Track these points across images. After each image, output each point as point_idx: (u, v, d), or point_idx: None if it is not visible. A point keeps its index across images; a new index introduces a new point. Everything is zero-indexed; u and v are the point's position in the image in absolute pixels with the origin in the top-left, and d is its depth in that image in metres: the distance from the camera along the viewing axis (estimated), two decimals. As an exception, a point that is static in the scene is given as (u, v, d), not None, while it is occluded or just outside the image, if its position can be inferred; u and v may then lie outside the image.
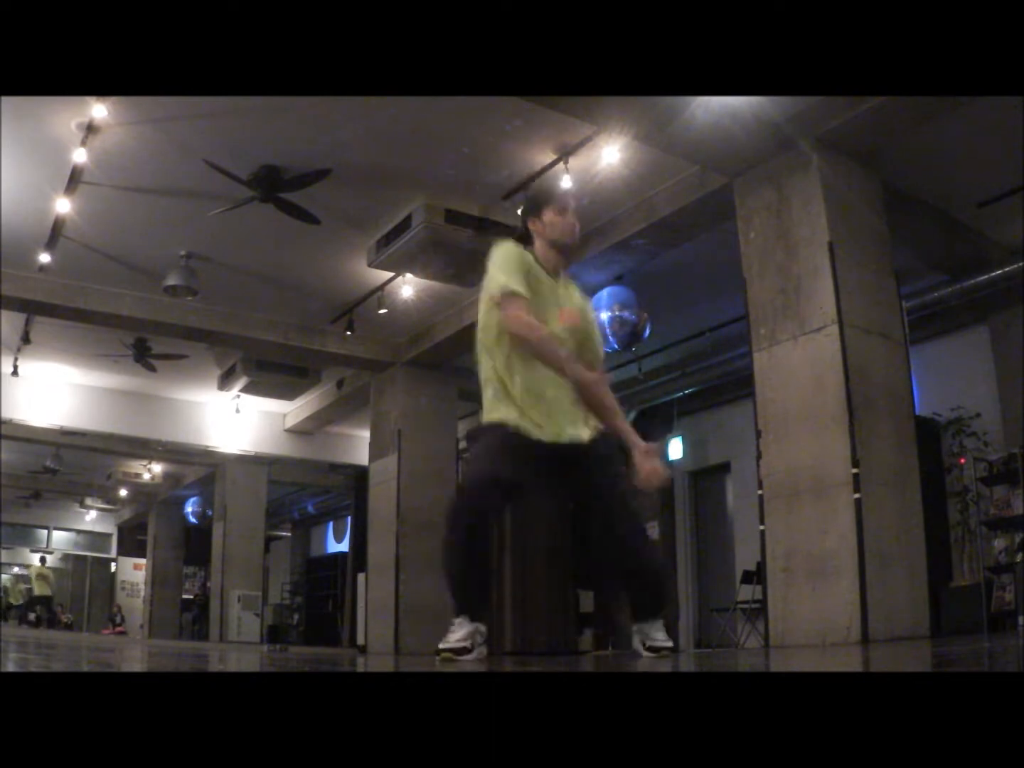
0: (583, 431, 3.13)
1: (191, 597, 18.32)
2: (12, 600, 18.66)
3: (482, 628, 3.04)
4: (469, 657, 2.97)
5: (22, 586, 19.01)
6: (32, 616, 17.30)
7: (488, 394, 3.14)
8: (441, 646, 2.97)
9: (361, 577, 10.61)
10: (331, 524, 19.66)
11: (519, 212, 3.36)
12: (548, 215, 3.25)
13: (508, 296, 3.04)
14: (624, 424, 3.20)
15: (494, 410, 3.10)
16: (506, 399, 3.08)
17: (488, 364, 3.15)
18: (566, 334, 3.14)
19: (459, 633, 2.99)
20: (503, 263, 3.13)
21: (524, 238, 3.30)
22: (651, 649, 3.22)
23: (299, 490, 17.49)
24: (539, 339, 3.01)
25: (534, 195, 3.41)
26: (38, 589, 17.75)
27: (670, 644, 3.24)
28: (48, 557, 19.44)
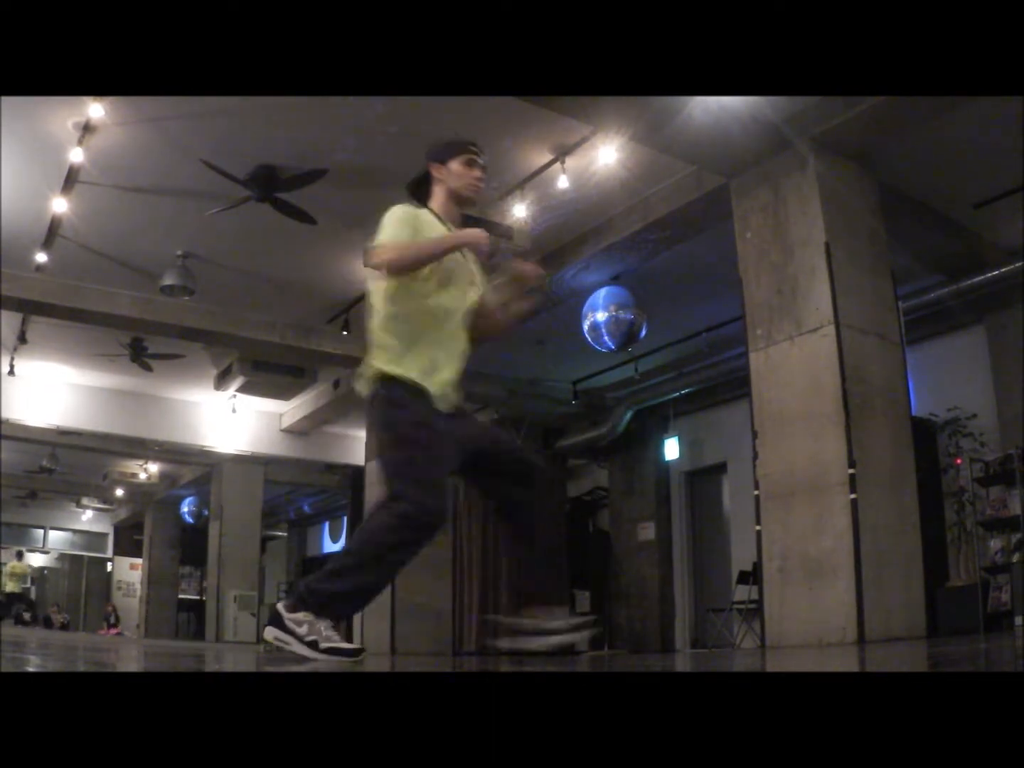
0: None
1: (187, 597, 18.30)
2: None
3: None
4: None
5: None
6: (27, 616, 17.24)
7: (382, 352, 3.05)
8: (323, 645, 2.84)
9: (358, 577, 10.58)
10: (327, 524, 19.62)
11: (426, 156, 3.29)
12: (455, 164, 3.21)
13: (378, 248, 3.04)
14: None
15: (394, 364, 2.99)
16: (401, 357, 3.00)
17: (376, 322, 3.09)
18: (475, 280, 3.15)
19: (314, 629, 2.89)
20: (388, 226, 3.10)
21: (421, 181, 3.28)
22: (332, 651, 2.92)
23: (295, 490, 17.46)
24: (405, 247, 3.01)
25: (445, 141, 3.30)
26: (9, 586, 17.54)
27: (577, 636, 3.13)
28: (31, 555, 19.32)
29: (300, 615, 2.93)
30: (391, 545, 2.93)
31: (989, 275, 7.18)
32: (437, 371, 3.01)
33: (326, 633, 2.89)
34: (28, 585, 18.16)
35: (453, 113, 5.62)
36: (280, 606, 3.02)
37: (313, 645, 2.86)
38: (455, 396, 3.07)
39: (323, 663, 2.77)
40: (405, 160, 6.27)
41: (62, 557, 20.66)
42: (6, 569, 17.63)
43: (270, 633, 2.96)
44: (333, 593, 2.96)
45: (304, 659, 2.84)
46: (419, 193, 3.29)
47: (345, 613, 3.27)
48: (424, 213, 3.18)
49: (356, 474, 12.69)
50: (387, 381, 2.98)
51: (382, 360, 3.01)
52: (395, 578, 3.13)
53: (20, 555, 18.66)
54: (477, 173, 3.23)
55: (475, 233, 3.08)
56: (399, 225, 3.07)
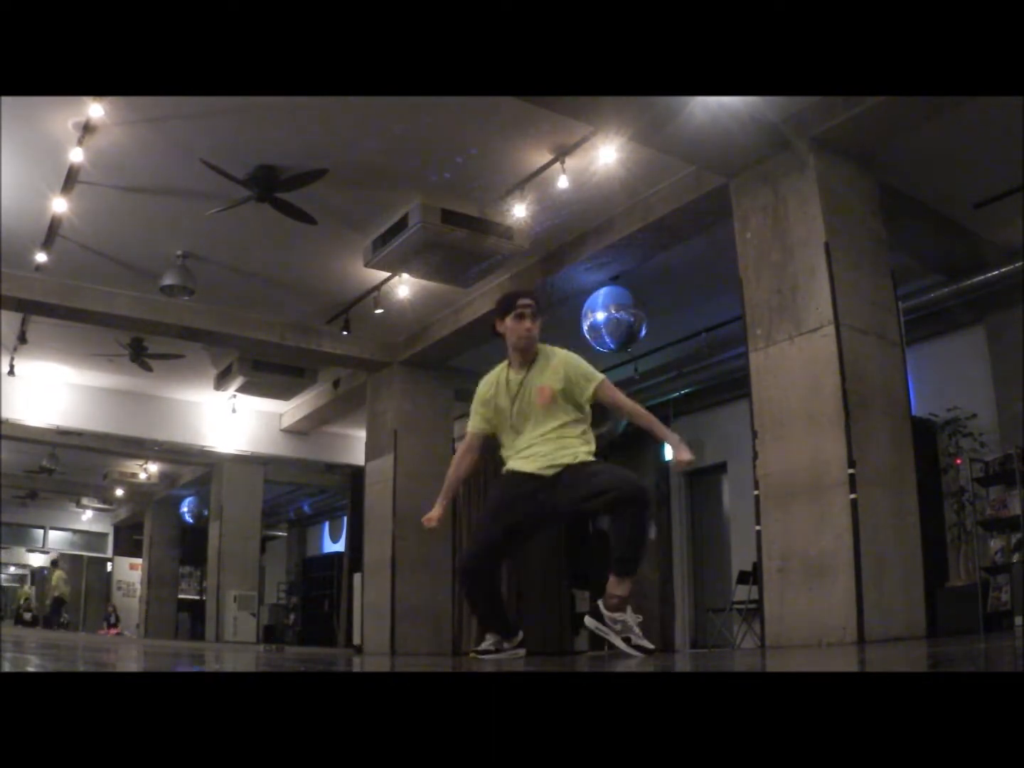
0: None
1: (187, 597, 18.31)
2: (37, 603, 18.52)
3: (510, 638, 3.97)
4: (493, 656, 3.88)
5: (28, 588, 18.87)
6: (28, 616, 17.23)
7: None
8: (472, 648, 3.85)
9: (357, 577, 10.60)
10: (327, 524, 19.63)
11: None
12: (508, 321, 3.90)
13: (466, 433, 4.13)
14: (657, 425, 4.18)
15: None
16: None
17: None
18: (542, 408, 3.88)
19: (488, 641, 3.93)
20: (472, 409, 4.09)
21: (497, 334, 4.03)
22: (638, 648, 3.68)
23: (295, 490, 17.46)
24: (452, 466, 4.20)
25: (499, 301, 4.03)
26: (63, 593, 17.63)
27: (652, 646, 3.75)
28: (44, 557, 19.35)
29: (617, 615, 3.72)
30: None
31: (989, 275, 7.18)
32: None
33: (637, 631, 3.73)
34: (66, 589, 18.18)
35: (453, 113, 5.63)
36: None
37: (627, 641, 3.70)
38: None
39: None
40: (405, 160, 6.31)
41: (62, 557, 20.66)
42: (56, 576, 17.65)
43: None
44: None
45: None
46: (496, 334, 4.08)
47: None
48: (495, 377, 4.02)
49: (356, 474, 12.69)
50: None
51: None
52: None
53: (56, 563, 18.62)
54: (527, 324, 3.88)
55: (426, 516, 4.04)
56: (473, 412, 4.08)
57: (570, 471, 3.82)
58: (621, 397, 4.08)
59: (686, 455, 4.01)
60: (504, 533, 3.93)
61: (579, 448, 3.88)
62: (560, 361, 3.96)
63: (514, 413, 3.89)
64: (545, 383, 3.89)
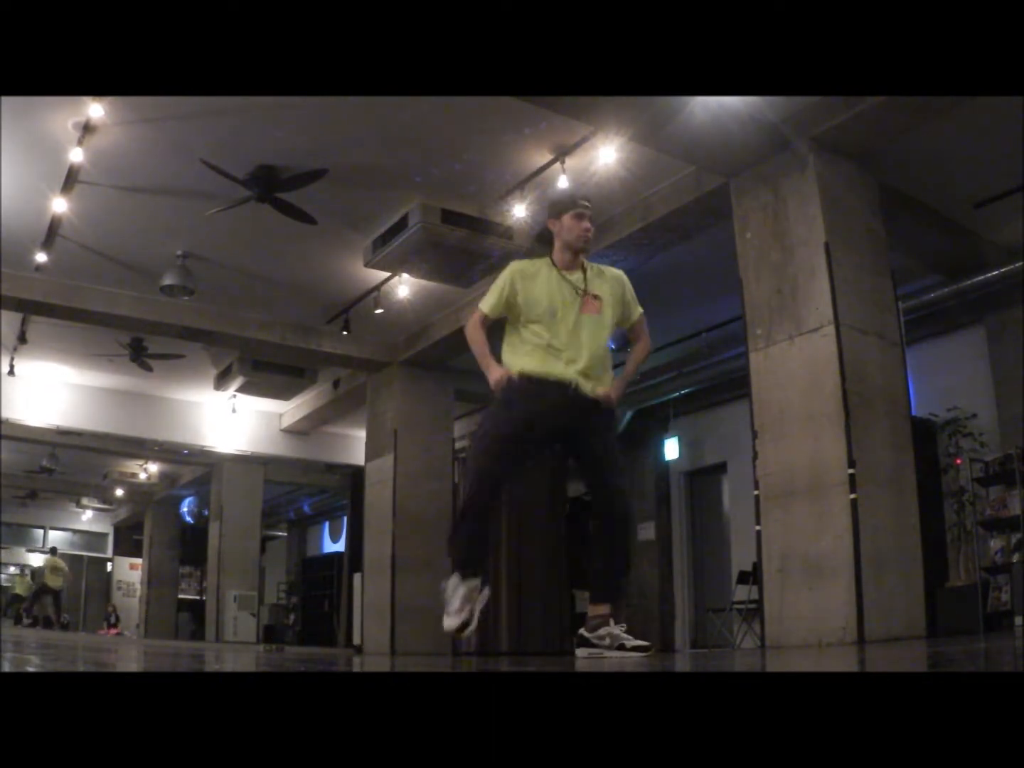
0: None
1: (187, 597, 18.30)
2: (19, 591, 18.41)
3: (473, 583, 3.59)
4: (472, 628, 3.57)
5: (29, 580, 18.77)
6: (28, 619, 17.21)
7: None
8: (445, 624, 3.54)
9: (357, 577, 10.60)
10: (327, 524, 19.63)
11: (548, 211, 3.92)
12: (566, 219, 3.77)
13: (476, 311, 3.84)
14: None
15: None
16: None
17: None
18: (592, 319, 3.72)
19: (455, 602, 3.53)
20: (490, 290, 3.81)
21: (543, 236, 3.89)
22: (636, 649, 3.64)
23: (295, 490, 17.46)
24: (470, 339, 3.85)
25: (557, 199, 3.97)
26: (50, 581, 17.49)
27: (647, 643, 3.70)
28: (31, 555, 19.27)
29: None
30: None
31: (989, 275, 7.17)
32: None
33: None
34: (66, 583, 18.01)
35: (453, 113, 5.62)
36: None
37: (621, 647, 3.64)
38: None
39: None
40: (405, 160, 6.31)
41: (62, 557, 20.68)
42: (48, 563, 17.49)
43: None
44: None
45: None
46: (543, 244, 3.92)
47: None
48: (537, 267, 3.79)
49: (356, 474, 12.69)
50: None
51: None
52: None
53: (55, 551, 18.39)
54: (585, 224, 3.77)
55: (495, 378, 3.71)
56: (493, 292, 3.78)
57: (603, 418, 3.72)
58: (647, 336, 4.03)
59: (614, 394, 3.78)
60: (517, 462, 3.80)
61: (611, 382, 3.79)
62: (616, 277, 3.88)
63: (558, 312, 3.66)
64: (602, 293, 3.77)
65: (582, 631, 3.74)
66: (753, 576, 8.11)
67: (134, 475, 15.86)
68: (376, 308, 8.40)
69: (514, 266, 3.80)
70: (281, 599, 19.60)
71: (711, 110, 5.05)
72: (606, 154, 5.86)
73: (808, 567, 4.87)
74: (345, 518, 16.62)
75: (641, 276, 7.58)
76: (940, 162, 6.10)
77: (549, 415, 3.63)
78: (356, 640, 10.30)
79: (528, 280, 3.73)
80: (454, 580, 3.58)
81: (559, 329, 3.66)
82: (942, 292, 7.44)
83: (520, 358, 3.70)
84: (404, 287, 8.00)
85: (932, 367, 8.07)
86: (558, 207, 3.84)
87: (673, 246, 7.01)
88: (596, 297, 3.74)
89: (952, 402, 7.90)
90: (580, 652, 3.73)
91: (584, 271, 3.80)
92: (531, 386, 3.62)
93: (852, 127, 5.19)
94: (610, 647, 3.65)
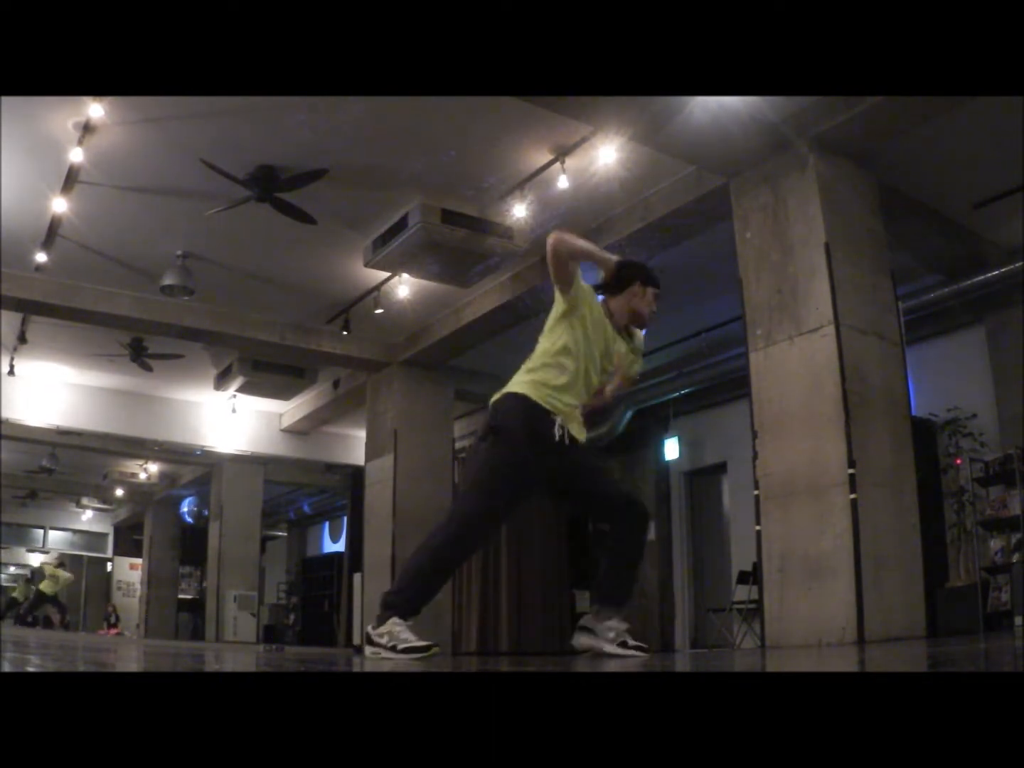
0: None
1: (187, 597, 18.29)
2: (16, 596, 18.40)
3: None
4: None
5: (26, 584, 18.75)
6: (29, 618, 17.20)
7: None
8: (403, 646, 3.42)
9: (357, 577, 10.60)
10: (327, 524, 19.62)
11: (618, 265, 3.80)
12: (650, 292, 3.76)
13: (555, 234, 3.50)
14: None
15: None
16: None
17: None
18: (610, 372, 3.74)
19: (408, 636, 3.47)
20: (585, 293, 3.66)
21: (607, 287, 3.75)
22: (636, 648, 3.69)
23: (295, 490, 17.46)
24: (566, 242, 3.50)
25: (644, 268, 3.87)
26: (46, 588, 17.49)
27: (644, 646, 3.76)
28: (44, 557, 19.28)
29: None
30: None
31: (989, 275, 7.17)
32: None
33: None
34: (60, 590, 18.04)
35: (453, 113, 5.63)
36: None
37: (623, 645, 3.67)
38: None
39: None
40: (405, 160, 6.31)
41: (62, 557, 20.67)
42: (47, 570, 17.54)
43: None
44: None
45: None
46: (607, 288, 3.77)
47: None
48: (601, 311, 3.68)
49: (356, 474, 12.69)
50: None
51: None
52: None
53: (55, 556, 18.43)
54: (655, 307, 3.80)
55: (610, 266, 3.75)
56: (580, 294, 3.60)
57: (576, 447, 3.63)
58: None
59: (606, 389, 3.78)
60: (507, 514, 3.77)
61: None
62: (639, 346, 3.89)
63: (598, 364, 3.64)
64: (629, 356, 3.79)
65: (590, 618, 3.78)
66: (753, 576, 8.11)
67: (134, 475, 15.85)
68: (376, 308, 8.40)
69: (588, 292, 3.65)
70: (281, 599, 19.60)
71: (711, 110, 5.05)
72: (606, 154, 5.86)
73: (808, 567, 4.87)
74: (345, 518, 16.62)
75: (641, 276, 7.63)
76: (940, 162, 6.10)
77: (550, 458, 3.50)
78: (356, 640, 10.29)
79: (596, 312, 3.65)
80: (398, 624, 3.47)
81: (587, 377, 3.59)
82: (942, 292, 7.44)
83: (550, 378, 3.52)
84: (404, 287, 8.00)
85: (932, 367, 8.08)
86: (650, 278, 3.78)
87: (673, 246, 7.00)
88: (623, 358, 3.78)
89: (952, 402, 7.90)
90: (580, 641, 3.75)
91: (630, 337, 3.82)
92: (539, 421, 3.47)
93: (852, 127, 5.19)
94: (611, 641, 3.67)
